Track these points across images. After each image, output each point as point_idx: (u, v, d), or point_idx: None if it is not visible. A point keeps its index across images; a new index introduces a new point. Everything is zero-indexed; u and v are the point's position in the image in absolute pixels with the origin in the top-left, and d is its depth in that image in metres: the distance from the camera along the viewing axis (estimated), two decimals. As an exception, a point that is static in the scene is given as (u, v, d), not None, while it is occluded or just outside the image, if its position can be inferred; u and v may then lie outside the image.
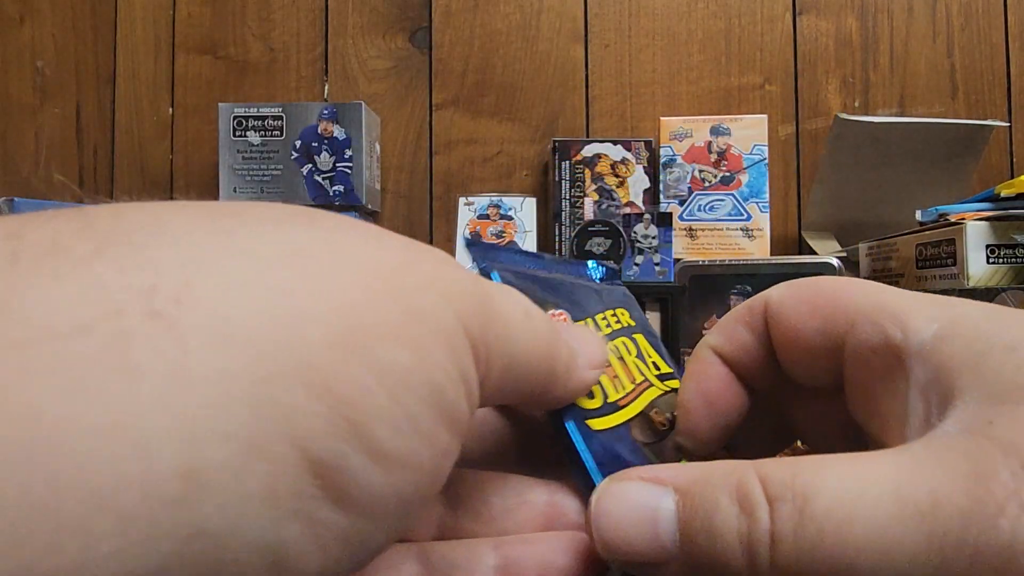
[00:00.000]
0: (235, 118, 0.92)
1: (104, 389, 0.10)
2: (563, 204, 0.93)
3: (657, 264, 0.84)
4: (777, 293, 0.22)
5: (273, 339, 0.12)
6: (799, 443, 0.25)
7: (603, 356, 0.22)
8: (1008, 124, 1.00)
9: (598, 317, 0.26)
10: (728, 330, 0.23)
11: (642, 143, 0.94)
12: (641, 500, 0.17)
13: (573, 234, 0.87)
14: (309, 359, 0.12)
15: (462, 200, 0.92)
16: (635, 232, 0.86)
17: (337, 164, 0.92)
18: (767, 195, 0.91)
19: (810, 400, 0.23)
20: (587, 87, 1.03)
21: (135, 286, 0.11)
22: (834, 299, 0.20)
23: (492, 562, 0.20)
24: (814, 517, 0.15)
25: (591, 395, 0.22)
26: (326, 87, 1.05)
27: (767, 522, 0.16)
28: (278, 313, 0.12)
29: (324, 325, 0.13)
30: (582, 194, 0.93)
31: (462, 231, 0.90)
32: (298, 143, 0.92)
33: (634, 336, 0.26)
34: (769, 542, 0.16)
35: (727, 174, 0.91)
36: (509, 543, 0.20)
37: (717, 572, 0.16)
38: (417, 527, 0.21)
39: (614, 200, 0.93)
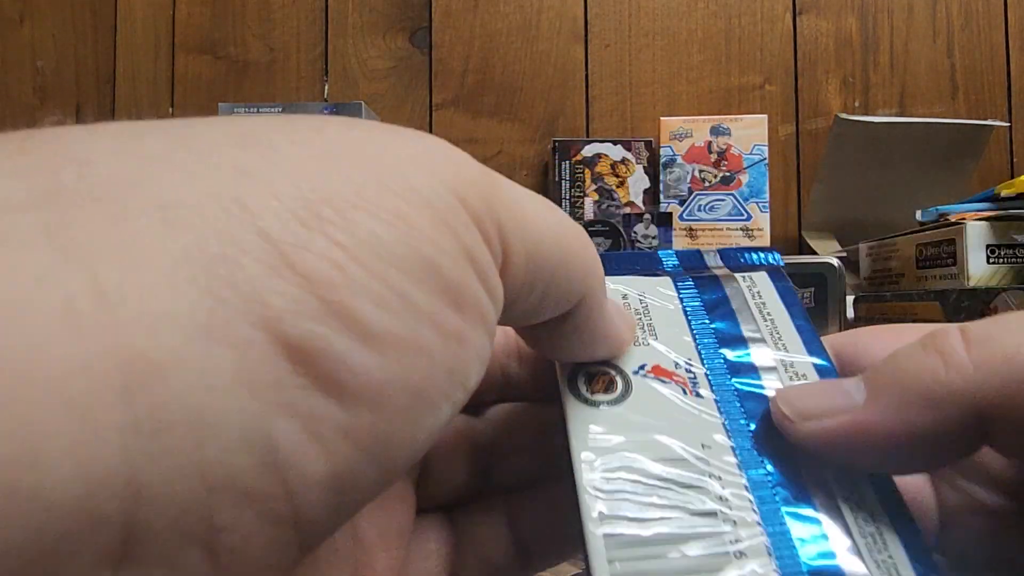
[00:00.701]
0: (235, 118, 0.92)
1: (45, 272, 0.09)
2: (563, 204, 0.93)
3: (657, 264, 0.84)
4: (844, 336, 0.22)
5: (225, 217, 0.11)
6: None
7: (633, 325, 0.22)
8: (1008, 124, 1.00)
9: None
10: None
11: (642, 143, 0.94)
12: (830, 385, 0.18)
13: (573, 234, 0.87)
14: (267, 233, 0.11)
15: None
16: (635, 232, 0.86)
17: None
18: (767, 195, 0.91)
19: None
20: (587, 87, 1.03)
21: (73, 172, 0.11)
22: (920, 330, 0.20)
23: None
24: (1010, 319, 0.16)
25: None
26: (326, 87, 1.05)
27: (956, 334, 0.17)
28: (235, 192, 0.11)
29: (282, 198, 0.12)
30: (582, 194, 0.93)
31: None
32: (298, 143, 0.92)
33: None
34: (962, 342, 0.16)
35: (727, 174, 0.91)
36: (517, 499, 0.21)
37: (912, 392, 0.16)
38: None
39: (614, 200, 0.93)
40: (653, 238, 0.91)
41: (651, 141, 0.94)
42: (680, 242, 0.91)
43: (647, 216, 0.90)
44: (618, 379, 0.21)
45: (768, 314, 0.23)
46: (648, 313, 0.23)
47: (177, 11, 1.05)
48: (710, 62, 1.03)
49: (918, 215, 0.71)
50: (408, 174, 0.13)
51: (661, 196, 0.92)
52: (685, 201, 0.92)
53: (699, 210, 0.91)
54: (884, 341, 0.20)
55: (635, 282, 0.24)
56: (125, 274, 0.10)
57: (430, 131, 1.03)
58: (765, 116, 0.92)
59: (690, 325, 0.23)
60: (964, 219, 0.64)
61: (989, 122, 0.88)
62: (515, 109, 1.04)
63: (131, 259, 0.10)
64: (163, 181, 0.11)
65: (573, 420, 0.19)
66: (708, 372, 0.21)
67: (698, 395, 0.20)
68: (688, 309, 0.23)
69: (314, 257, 0.11)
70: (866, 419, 0.17)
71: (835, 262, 0.75)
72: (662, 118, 0.93)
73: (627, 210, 0.93)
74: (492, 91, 1.04)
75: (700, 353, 0.22)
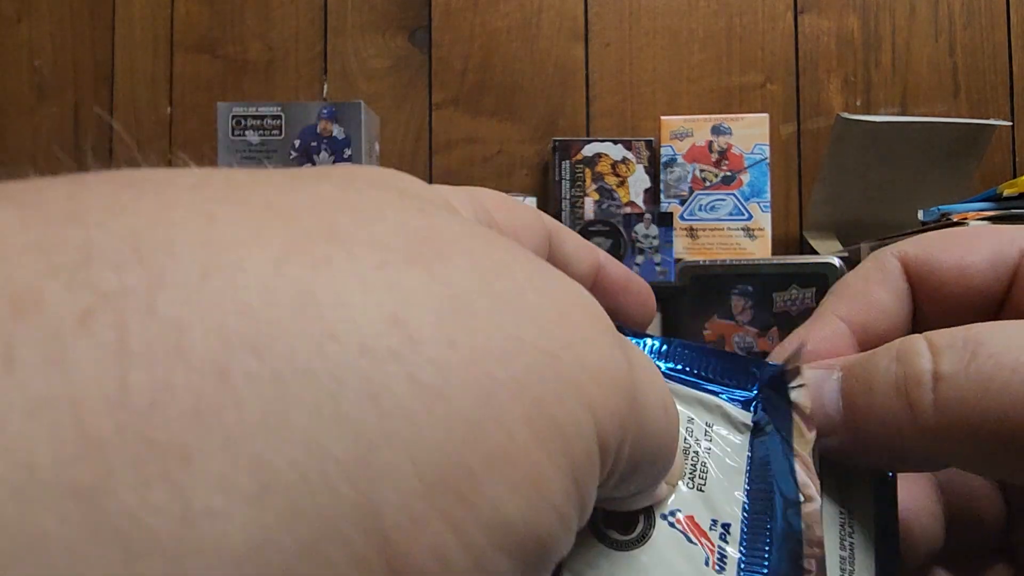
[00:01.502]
0: (234, 117, 0.91)
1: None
2: (563, 204, 0.92)
3: (658, 264, 0.83)
4: (913, 245, 0.20)
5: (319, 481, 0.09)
6: None
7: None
8: (1010, 123, 1.00)
9: None
10: (857, 296, 0.21)
11: (643, 142, 0.93)
12: (813, 380, 0.18)
13: (573, 234, 0.86)
14: (372, 503, 0.09)
15: (462, 200, 0.91)
16: (636, 232, 0.86)
17: (336, 164, 0.91)
18: (768, 195, 0.90)
19: None
20: (587, 86, 1.03)
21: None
22: (996, 231, 0.19)
23: None
24: (991, 355, 0.15)
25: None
26: (325, 86, 1.04)
27: (928, 365, 0.16)
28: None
29: (409, 466, 0.09)
30: (582, 194, 0.93)
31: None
32: (297, 143, 0.91)
33: None
34: (932, 382, 0.16)
35: (728, 173, 0.91)
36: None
37: (878, 429, 0.16)
38: None
39: (614, 200, 0.93)
40: (654, 238, 0.91)
41: (652, 140, 0.93)
42: (681, 242, 0.91)
43: (647, 216, 0.90)
44: (641, 519, 0.17)
45: (850, 537, 0.18)
46: (707, 452, 0.19)
47: (175, 10, 1.05)
48: (711, 61, 1.02)
49: (920, 215, 0.71)
50: (560, 407, 0.11)
51: (662, 196, 0.92)
52: (686, 201, 0.92)
53: (700, 210, 0.91)
54: (954, 255, 0.20)
55: (708, 403, 0.19)
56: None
57: (430, 131, 1.03)
58: (766, 115, 0.91)
59: (747, 484, 0.18)
60: (966, 219, 0.64)
61: (991, 121, 0.87)
62: (515, 108, 1.03)
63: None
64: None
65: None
66: (743, 558, 0.17)
67: (720, 570, 0.17)
68: (752, 464, 0.19)
69: (422, 552, 0.09)
70: (847, 448, 0.17)
71: (837, 262, 0.75)
72: (663, 117, 0.93)
73: (628, 210, 0.92)
74: (492, 90, 1.04)
75: (744, 529, 0.17)
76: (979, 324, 0.16)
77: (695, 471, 0.18)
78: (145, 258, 0.09)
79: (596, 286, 0.20)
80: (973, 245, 0.19)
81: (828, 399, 0.17)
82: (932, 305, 0.20)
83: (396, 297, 0.10)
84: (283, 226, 0.10)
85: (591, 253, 0.20)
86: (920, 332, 0.20)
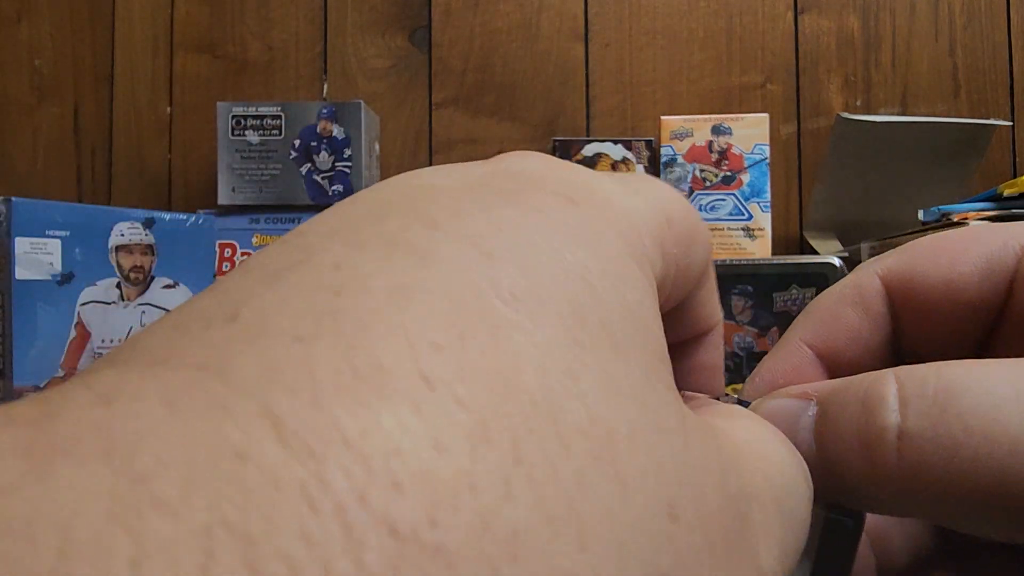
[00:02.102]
0: (234, 117, 0.91)
1: None
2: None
3: (658, 264, 0.83)
4: (897, 258, 0.19)
5: None
6: None
7: None
8: (1011, 123, 1.00)
9: None
10: (828, 318, 0.19)
11: (643, 142, 0.93)
12: (788, 413, 0.17)
13: (573, 234, 0.86)
14: None
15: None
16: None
17: (336, 164, 0.91)
18: (768, 195, 0.90)
19: None
20: (587, 86, 1.03)
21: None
22: (988, 232, 0.18)
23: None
24: (960, 414, 0.14)
25: None
26: (325, 86, 1.04)
27: (893, 419, 0.14)
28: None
29: None
30: (582, 194, 0.93)
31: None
32: (297, 143, 0.91)
33: None
34: (895, 441, 0.14)
35: (728, 174, 0.91)
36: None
37: (845, 475, 0.15)
38: None
39: (614, 200, 0.92)
40: (654, 238, 0.91)
41: (652, 140, 0.93)
42: (681, 242, 0.91)
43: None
44: None
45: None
46: None
47: (175, 9, 1.05)
48: (711, 61, 1.02)
49: (920, 215, 0.70)
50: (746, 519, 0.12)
51: (662, 196, 0.92)
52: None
53: (700, 210, 0.91)
54: (941, 268, 0.18)
55: None
56: None
57: (430, 130, 1.03)
58: (766, 115, 0.91)
59: None
60: (967, 219, 0.64)
61: (991, 121, 0.87)
62: (515, 108, 1.03)
63: None
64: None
65: None
66: None
67: None
68: None
69: None
70: (817, 482, 0.16)
71: (837, 262, 0.75)
72: (663, 117, 0.93)
73: (627, 210, 0.92)
74: (492, 90, 1.03)
75: None
76: (953, 366, 0.15)
77: None
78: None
79: (689, 350, 0.19)
80: (963, 253, 0.18)
81: (802, 436, 0.16)
82: (919, 324, 0.19)
83: None
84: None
85: (714, 314, 0.19)
86: (907, 348, 0.19)
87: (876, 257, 0.19)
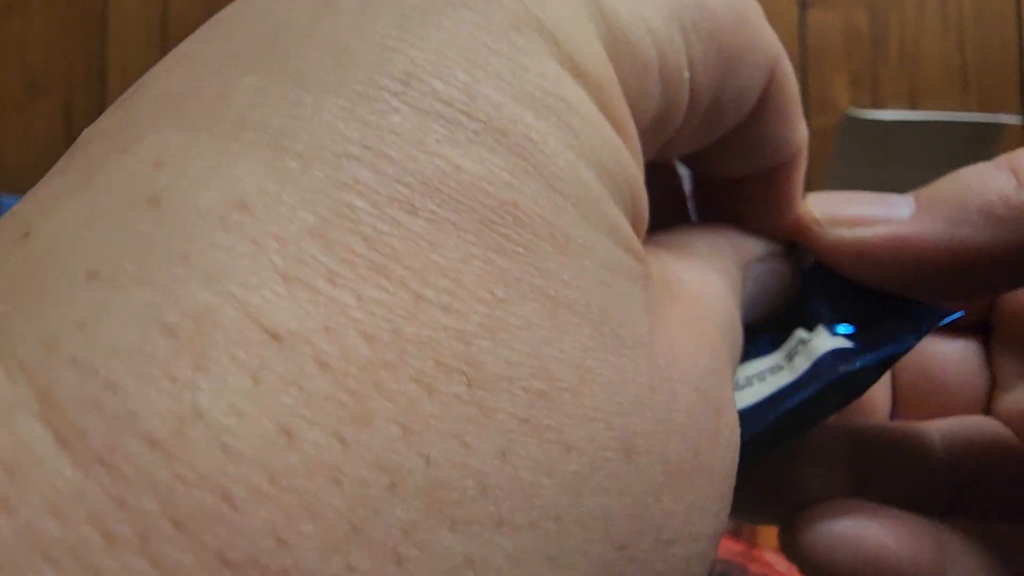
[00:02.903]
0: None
1: None
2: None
3: (660, 264, 0.82)
4: None
5: None
6: None
7: None
8: (1021, 121, 0.98)
9: None
10: None
11: (645, 140, 0.92)
12: (870, 193, 0.16)
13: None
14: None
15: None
16: (637, 231, 0.85)
17: None
18: (773, 193, 0.89)
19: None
20: (589, 82, 1.02)
21: None
22: None
23: None
24: None
25: None
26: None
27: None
28: None
29: None
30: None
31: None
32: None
33: None
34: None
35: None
36: None
37: (970, 205, 0.14)
38: None
39: (616, 198, 0.91)
40: (656, 237, 0.90)
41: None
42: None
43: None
44: None
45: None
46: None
47: (169, 5, 1.04)
48: (715, 57, 1.01)
49: (929, 214, 0.70)
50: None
51: (664, 194, 0.91)
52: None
53: (703, 209, 0.90)
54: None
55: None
56: None
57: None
58: (771, 112, 0.90)
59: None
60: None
61: (1001, 118, 0.86)
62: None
63: None
64: None
65: None
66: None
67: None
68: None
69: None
70: (911, 232, 0.15)
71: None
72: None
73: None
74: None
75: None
76: None
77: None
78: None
79: (763, 180, 0.18)
80: None
81: (895, 199, 0.16)
82: None
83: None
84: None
85: (791, 147, 0.17)
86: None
87: None
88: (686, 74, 0.12)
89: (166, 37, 1.04)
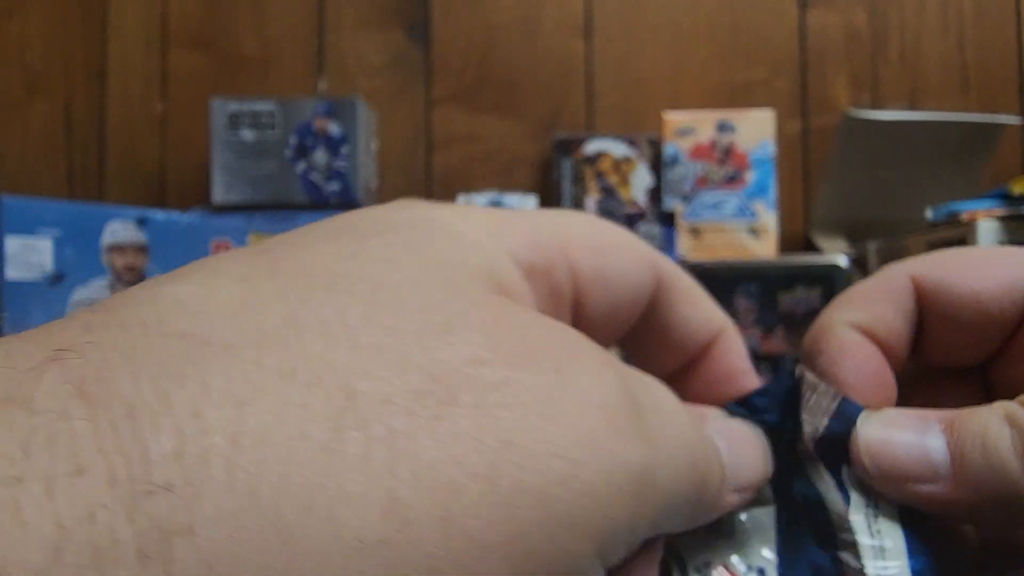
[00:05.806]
0: (228, 114, 0.90)
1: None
2: (564, 202, 0.91)
3: (660, 264, 0.82)
4: (925, 266, 0.20)
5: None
6: None
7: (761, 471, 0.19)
8: (1021, 121, 0.98)
9: None
10: (871, 305, 0.20)
11: (645, 140, 0.92)
12: (907, 427, 0.18)
13: (574, 233, 0.85)
14: None
15: (462, 198, 0.90)
16: (638, 231, 0.84)
17: (333, 162, 0.90)
18: (773, 193, 0.89)
19: (941, 381, 0.22)
20: (589, 83, 1.02)
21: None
22: (1009, 254, 0.19)
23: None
24: None
25: None
26: (322, 82, 1.03)
27: None
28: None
29: None
30: (584, 192, 0.92)
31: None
32: (293, 140, 0.90)
33: None
34: None
35: (733, 172, 0.89)
36: None
37: (995, 483, 0.17)
38: None
39: (616, 198, 0.91)
40: (656, 238, 0.90)
41: (655, 138, 0.92)
42: (684, 242, 0.89)
43: (650, 215, 0.89)
44: (674, 569, 0.18)
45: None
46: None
47: (169, 4, 1.04)
48: (715, 57, 1.01)
49: (929, 214, 0.70)
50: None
51: (664, 194, 0.91)
52: (689, 199, 0.90)
53: (703, 209, 0.90)
54: (968, 281, 0.19)
55: None
56: None
57: (429, 127, 1.02)
58: (772, 111, 0.90)
59: (780, 541, 0.19)
60: (976, 217, 0.63)
61: (1001, 118, 0.86)
62: (515, 105, 1.02)
63: None
64: None
65: None
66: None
67: None
68: (783, 521, 0.19)
69: None
70: (950, 496, 0.17)
71: (843, 262, 0.73)
72: (666, 114, 0.91)
73: (630, 209, 0.91)
74: (492, 86, 1.02)
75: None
76: None
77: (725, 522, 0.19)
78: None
79: (703, 363, 0.21)
80: (987, 270, 0.19)
81: (932, 445, 0.18)
82: (942, 329, 0.20)
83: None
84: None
85: (710, 324, 0.20)
86: (927, 348, 0.20)
87: (905, 260, 0.20)
88: (560, 277, 0.17)
89: (166, 37, 1.04)
